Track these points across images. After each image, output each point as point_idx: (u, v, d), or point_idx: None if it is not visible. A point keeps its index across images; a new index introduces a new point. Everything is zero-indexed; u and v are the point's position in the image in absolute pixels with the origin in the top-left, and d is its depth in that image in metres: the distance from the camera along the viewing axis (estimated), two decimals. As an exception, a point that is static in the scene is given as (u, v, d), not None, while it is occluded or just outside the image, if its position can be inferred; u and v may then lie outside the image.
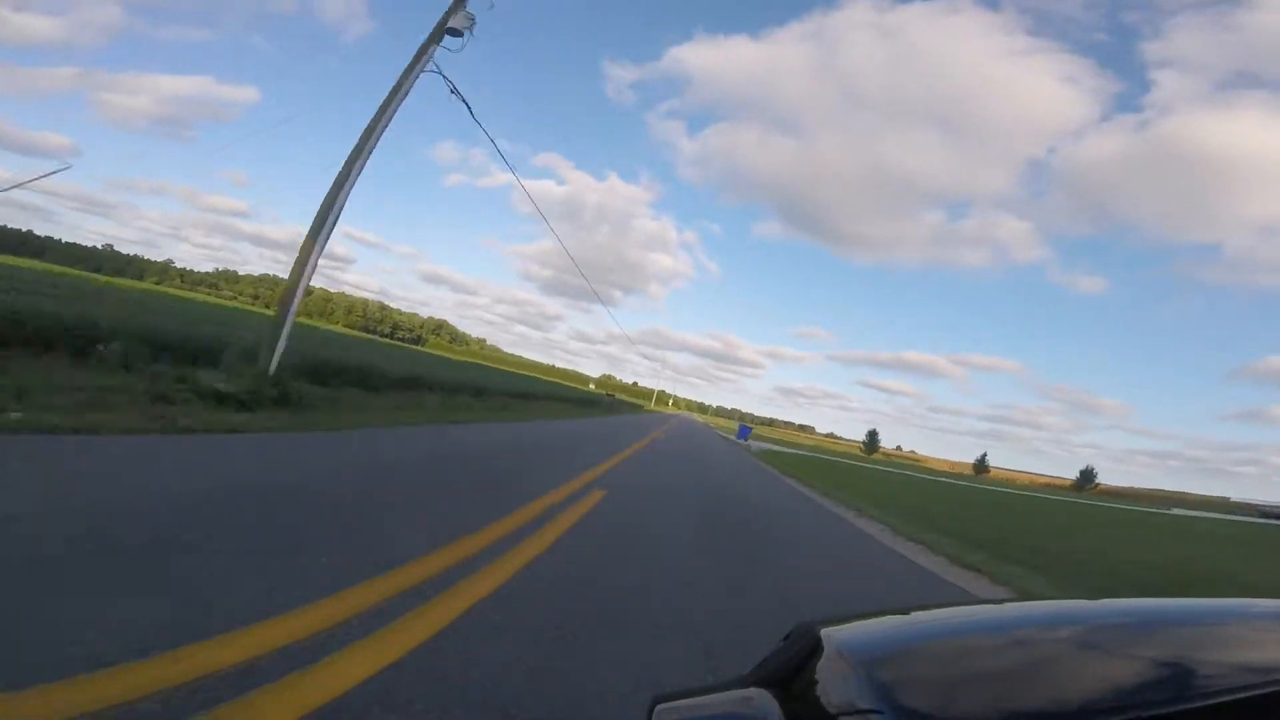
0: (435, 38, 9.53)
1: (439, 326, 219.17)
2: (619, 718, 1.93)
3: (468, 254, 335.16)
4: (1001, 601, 1.06)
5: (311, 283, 9.79)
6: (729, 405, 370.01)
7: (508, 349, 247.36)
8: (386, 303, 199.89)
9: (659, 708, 0.65)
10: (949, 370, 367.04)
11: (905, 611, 0.90)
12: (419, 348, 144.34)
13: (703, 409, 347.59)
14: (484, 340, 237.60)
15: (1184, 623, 0.76)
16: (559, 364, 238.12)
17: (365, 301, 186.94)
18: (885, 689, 0.58)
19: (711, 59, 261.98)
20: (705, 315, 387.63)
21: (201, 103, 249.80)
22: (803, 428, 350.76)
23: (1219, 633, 0.73)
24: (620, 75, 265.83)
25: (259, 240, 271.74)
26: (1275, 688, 0.50)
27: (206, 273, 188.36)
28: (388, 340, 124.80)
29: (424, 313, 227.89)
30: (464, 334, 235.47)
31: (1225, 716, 0.49)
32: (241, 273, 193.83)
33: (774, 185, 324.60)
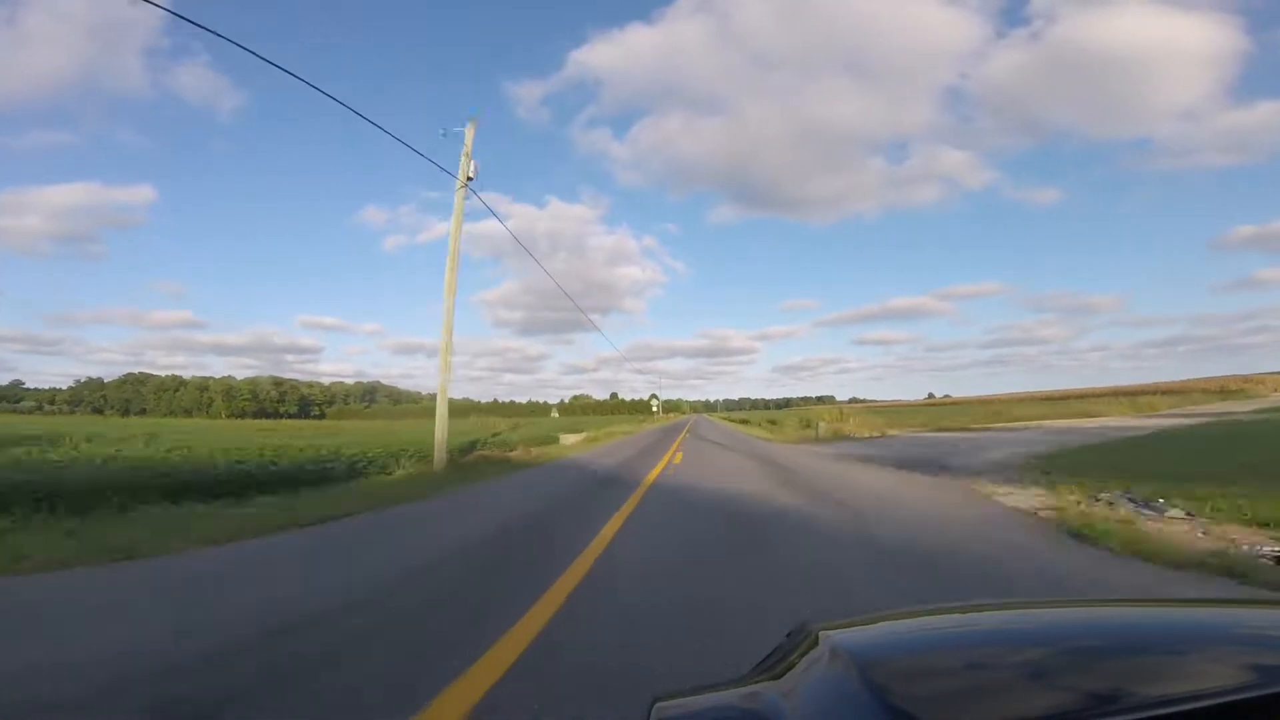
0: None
1: (371, 390, 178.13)
2: (618, 717, 2.12)
3: (435, 316, 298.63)
4: (1004, 605, 1.05)
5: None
6: (735, 396, 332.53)
7: (501, 399, 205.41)
8: (282, 376, 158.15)
9: (657, 705, 0.65)
10: (938, 307, 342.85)
11: (907, 614, 0.92)
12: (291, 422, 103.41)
13: (709, 407, 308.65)
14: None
15: (1185, 626, 0.76)
16: (554, 399, 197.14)
17: (253, 381, 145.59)
18: (883, 691, 0.57)
19: (613, 55, 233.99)
20: (687, 316, 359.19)
21: (98, 211, 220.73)
22: (821, 400, 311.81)
23: (1218, 636, 0.72)
24: (527, 94, 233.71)
25: (221, 349, 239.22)
26: (1274, 689, 0.49)
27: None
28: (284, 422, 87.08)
29: (350, 380, 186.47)
30: (409, 392, 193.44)
31: (1223, 718, 0.48)
32: (108, 380, 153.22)
33: (715, 168, 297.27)
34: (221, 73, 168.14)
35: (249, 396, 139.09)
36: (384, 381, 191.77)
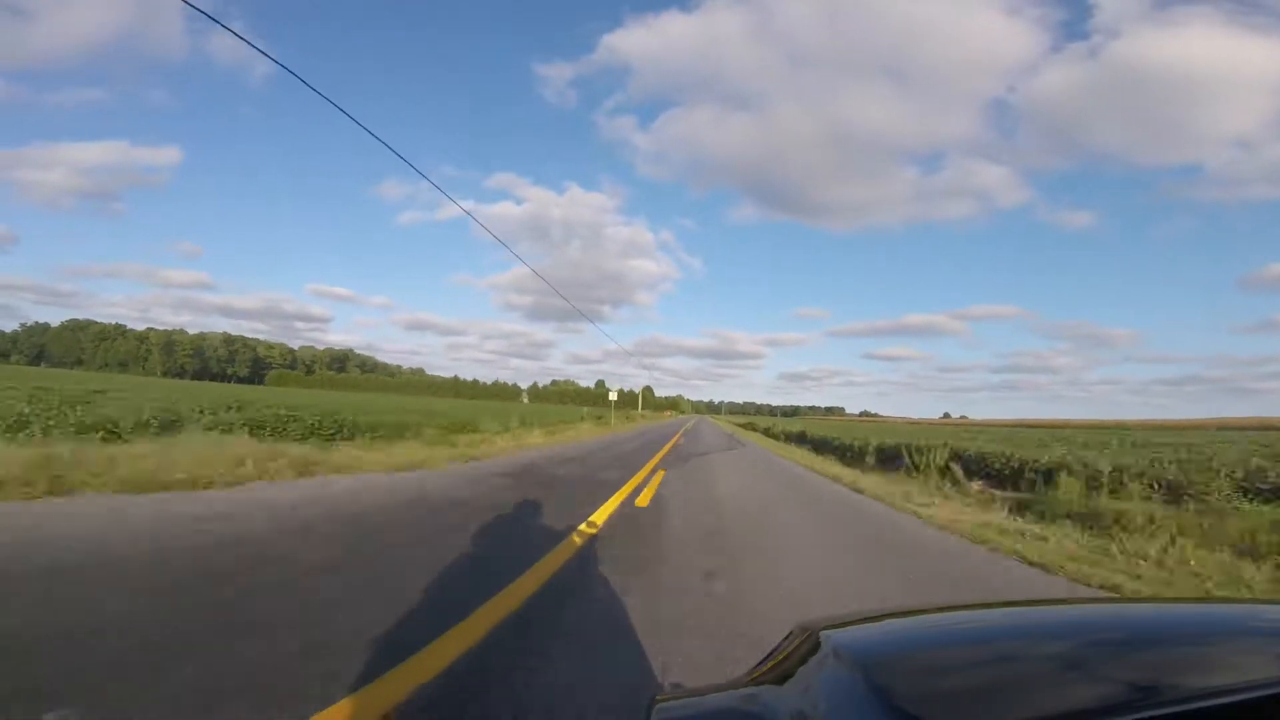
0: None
1: (342, 357, 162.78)
2: (619, 717, 1.96)
3: (445, 295, 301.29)
4: (1005, 604, 1.04)
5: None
6: (739, 399, 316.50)
7: (509, 382, 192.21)
8: (233, 332, 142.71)
9: (658, 706, 0.65)
10: (952, 327, 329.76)
11: (908, 613, 0.90)
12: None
13: (712, 409, 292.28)
14: (422, 370, 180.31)
15: (1188, 627, 0.76)
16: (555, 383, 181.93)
17: (201, 336, 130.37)
18: (884, 692, 0.57)
19: (647, 42, 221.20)
20: (697, 315, 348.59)
21: (123, 170, 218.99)
22: (830, 410, 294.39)
23: (1225, 634, 0.71)
24: (557, 75, 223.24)
25: (230, 311, 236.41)
26: (1272, 690, 0.50)
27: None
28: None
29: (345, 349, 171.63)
30: (387, 365, 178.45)
31: (1230, 717, 0.48)
32: (55, 325, 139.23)
33: (739, 166, 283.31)
34: (257, 38, 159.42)
35: (191, 352, 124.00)
36: (358, 350, 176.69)
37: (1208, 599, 1.45)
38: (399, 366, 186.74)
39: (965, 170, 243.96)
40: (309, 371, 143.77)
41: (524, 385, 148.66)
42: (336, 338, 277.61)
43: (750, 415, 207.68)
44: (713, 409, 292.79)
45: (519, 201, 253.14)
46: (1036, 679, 0.63)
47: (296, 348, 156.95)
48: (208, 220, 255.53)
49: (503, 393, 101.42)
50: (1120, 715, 0.49)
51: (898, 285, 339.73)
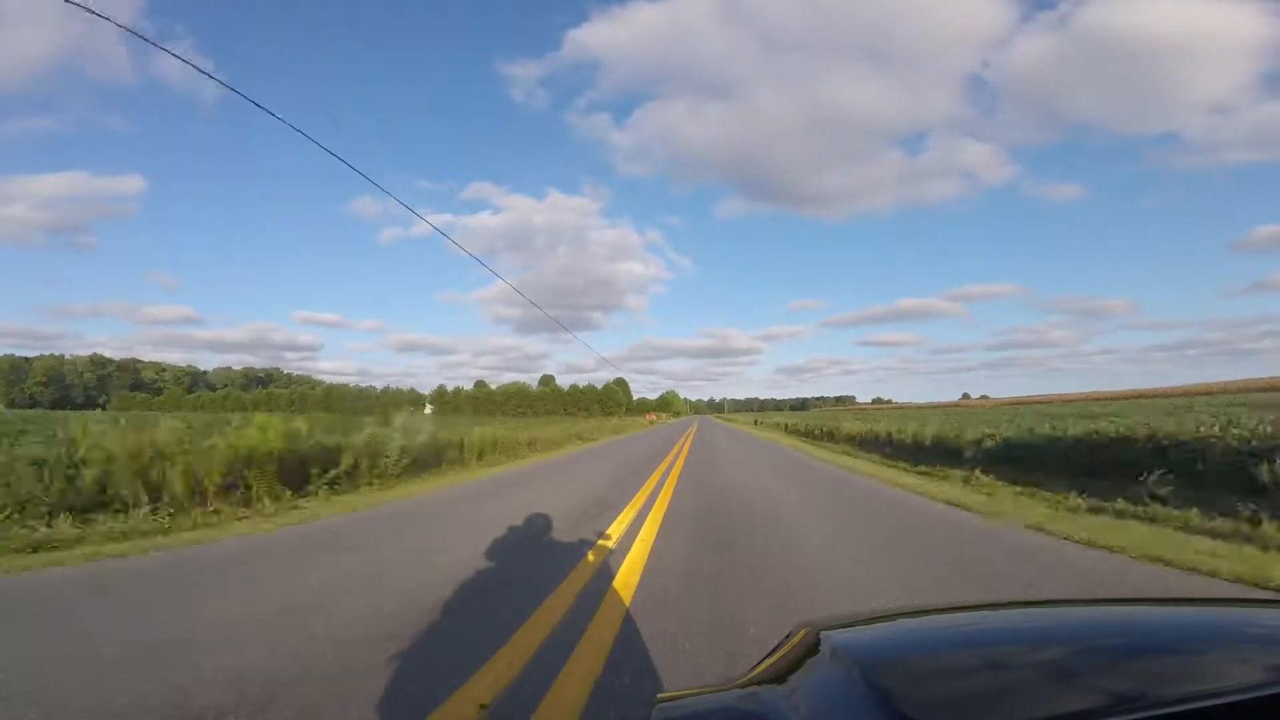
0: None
1: (266, 376, 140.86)
2: (621, 717, 2.00)
3: (433, 314, 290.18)
4: (1007, 605, 1.06)
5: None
6: (741, 396, 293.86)
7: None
8: (108, 354, 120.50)
9: (658, 705, 0.65)
10: (947, 309, 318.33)
11: (908, 614, 0.90)
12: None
13: (715, 407, 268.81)
14: (381, 388, 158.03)
15: (1191, 629, 0.75)
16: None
17: (59, 359, 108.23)
18: (883, 693, 0.57)
19: (614, 34, 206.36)
20: (691, 315, 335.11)
21: (86, 201, 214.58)
22: (840, 400, 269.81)
23: (1228, 635, 0.71)
24: (524, 75, 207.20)
25: (219, 345, 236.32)
26: (1273, 690, 0.50)
27: None
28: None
29: (339, 377, 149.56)
30: (335, 384, 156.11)
31: (1232, 718, 0.48)
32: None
33: (721, 158, 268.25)
34: (204, 55, 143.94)
35: (44, 380, 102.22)
36: (284, 369, 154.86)
37: (1211, 600, 1.54)
38: (347, 384, 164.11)
39: (949, 149, 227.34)
40: (211, 389, 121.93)
41: (493, 381, 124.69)
42: (328, 365, 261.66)
43: (753, 411, 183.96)
44: (715, 407, 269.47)
45: (497, 211, 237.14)
46: (1037, 681, 0.62)
47: (210, 370, 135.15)
48: (184, 250, 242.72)
49: (396, 400, 77.34)
50: (1122, 716, 0.49)
51: (890, 270, 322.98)
